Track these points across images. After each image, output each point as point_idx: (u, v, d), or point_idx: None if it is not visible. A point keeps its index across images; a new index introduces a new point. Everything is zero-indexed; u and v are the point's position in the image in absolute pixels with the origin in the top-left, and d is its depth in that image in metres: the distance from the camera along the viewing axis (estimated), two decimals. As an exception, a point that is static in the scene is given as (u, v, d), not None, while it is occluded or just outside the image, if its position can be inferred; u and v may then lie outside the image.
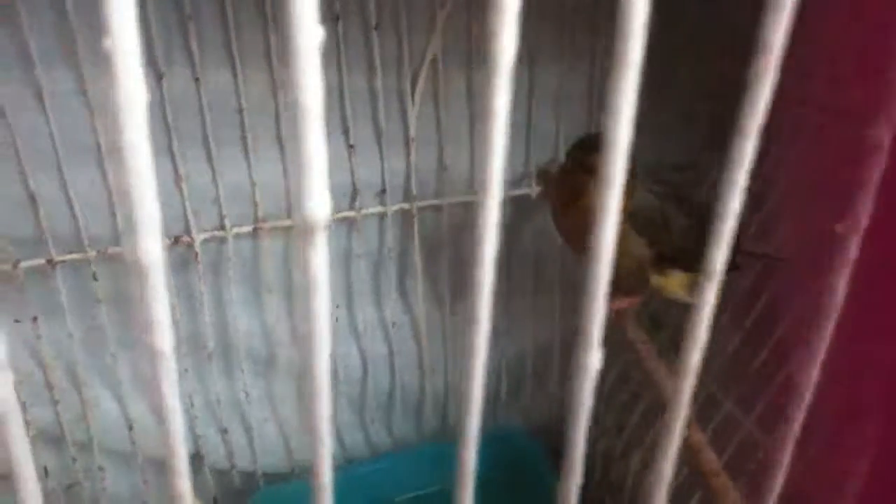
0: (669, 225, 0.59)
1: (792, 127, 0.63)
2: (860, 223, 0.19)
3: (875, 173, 0.19)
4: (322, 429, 0.17)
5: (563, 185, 0.59)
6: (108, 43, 0.13)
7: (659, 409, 0.77)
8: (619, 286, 0.64)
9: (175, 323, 0.73)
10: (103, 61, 0.13)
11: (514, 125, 0.74)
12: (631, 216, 0.58)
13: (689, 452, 0.52)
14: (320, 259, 0.15)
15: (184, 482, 0.17)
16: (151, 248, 0.14)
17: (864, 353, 0.45)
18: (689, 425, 0.56)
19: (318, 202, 0.15)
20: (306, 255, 0.15)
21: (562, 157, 0.77)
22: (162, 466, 0.79)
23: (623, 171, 0.16)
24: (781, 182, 0.65)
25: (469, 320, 0.17)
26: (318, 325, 0.16)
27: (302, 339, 0.16)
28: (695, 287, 0.62)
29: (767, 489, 0.24)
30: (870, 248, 0.21)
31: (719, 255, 0.17)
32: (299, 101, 0.14)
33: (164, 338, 0.15)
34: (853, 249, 0.19)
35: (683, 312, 0.76)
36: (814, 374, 0.22)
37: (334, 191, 0.73)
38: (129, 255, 0.14)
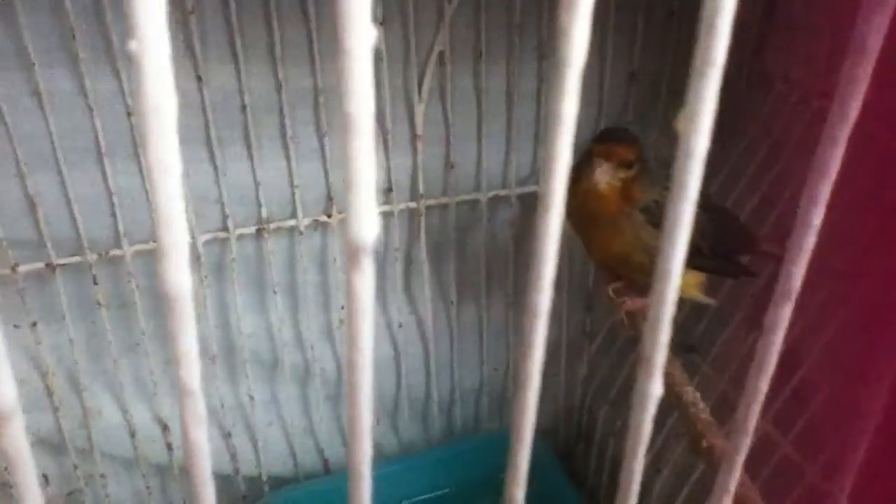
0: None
1: (810, 120, 0.62)
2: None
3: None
4: (363, 463, 0.15)
5: (584, 182, 0.57)
6: (133, 46, 0.11)
7: (671, 409, 0.76)
8: (632, 283, 0.63)
9: (177, 326, 0.71)
10: (131, 65, 0.11)
11: (524, 121, 0.73)
12: (645, 209, 0.56)
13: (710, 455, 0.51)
14: (367, 284, 0.14)
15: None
16: (180, 275, 0.13)
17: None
18: (707, 428, 0.54)
19: (367, 223, 0.13)
20: (352, 279, 0.13)
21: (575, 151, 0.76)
22: (164, 473, 0.78)
23: (699, 178, 0.15)
24: (797, 178, 0.64)
25: (529, 313, 0.15)
26: (364, 352, 0.14)
27: (348, 367, 0.14)
28: (709, 287, 0.60)
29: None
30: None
31: (797, 272, 0.15)
32: (349, 111, 0.12)
33: (194, 375, 0.14)
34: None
35: (694, 312, 0.74)
36: (874, 411, 0.20)
37: (338, 190, 0.72)
38: (160, 287, 0.12)
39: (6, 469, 0.56)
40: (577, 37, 0.12)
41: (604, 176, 0.54)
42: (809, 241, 0.15)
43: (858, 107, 0.14)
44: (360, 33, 0.11)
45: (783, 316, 0.16)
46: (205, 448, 0.15)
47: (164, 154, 0.12)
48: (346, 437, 0.16)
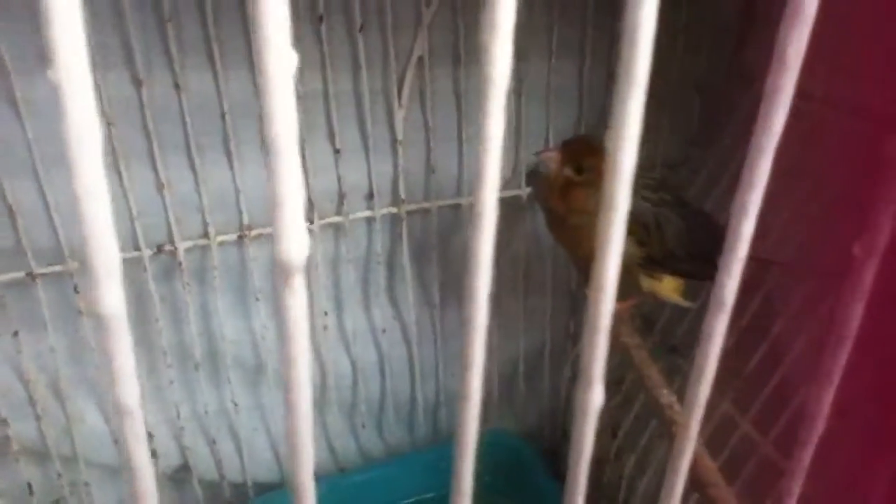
0: (663, 229, 0.58)
1: (792, 122, 0.62)
2: (879, 244, 0.18)
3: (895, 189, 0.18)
4: (305, 483, 0.16)
5: (553, 190, 0.58)
6: (53, 75, 0.11)
7: (652, 411, 0.76)
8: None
9: (159, 332, 0.71)
10: (52, 96, 0.11)
11: (505, 124, 0.73)
12: None
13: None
14: (300, 302, 0.14)
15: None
16: (112, 298, 0.13)
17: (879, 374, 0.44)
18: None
19: (296, 243, 0.13)
20: (285, 300, 0.14)
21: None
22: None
23: (627, 198, 0.15)
24: (776, 180, 0.64)
25: (465, 324, 0.15)
26: (299, 370, 0.14)
27: (284, 386, 0.15)
28: (689, 291, 0.61)
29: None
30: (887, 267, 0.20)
31: (731, 282, 0.16)
32: (272, 133, 0.12)
33: (131, 394, 0.14)
34: (871, 271, 0.18)
35: (676, 313, 0.75)
36: (827, 400, 0.21)
37: (321, 196, 0.72)
38: (88, 308, 0.12)
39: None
40: (500, 57, 0.13)
41: (549, 163, 0.56)
42: (741, 251, 0.16)
43: (783, 119, 0.14)
44: (280, 57, 0.12)
45: (719, 326, 0.16)
46: (148, 468, 0.15)
47: (91, 181, 0.12)
48: (287, 451, 0.16)
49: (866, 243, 0.18)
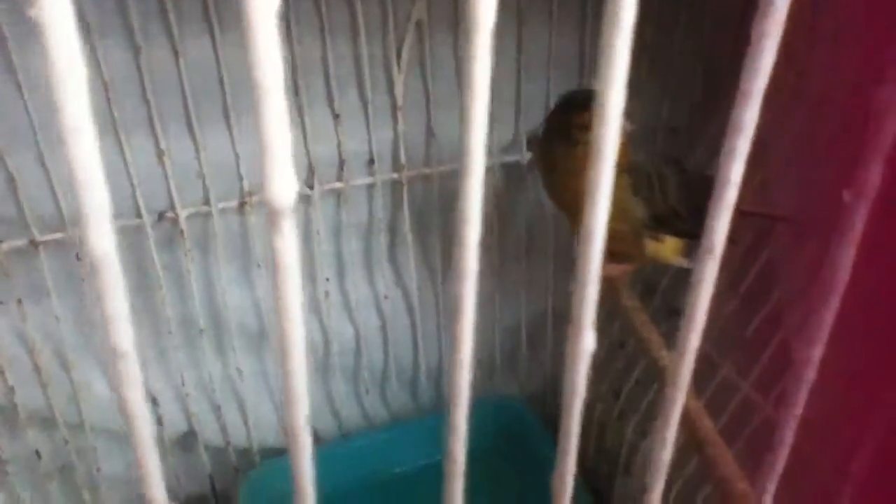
0: (665, 187, 0.58)
1: (793, 86, 0.62)
2: (868, 190, 0.18)
3: (883, 138, 0.18)
4: (299, 421, 0.16)
5: (549, 147, 0.57)
6: (33, 12, 0.11)
7: (654, 375, 0.77)
8: (614, 252, 0.64)
9: (163, 300, 0.72)
10: (33, 33, 0.11)
11: (503, 91, 0.72)
12: (631, 171, 0.56)
13: (685, 421, 0.51)
14: (289, 245, 0.14)
15: (159, 491, 0.16)
16: (102, 239, 0.13)
17: (869, 322, 0.45)
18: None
19: (283, 186, 0.13)
20: (274, 243, 0.14)
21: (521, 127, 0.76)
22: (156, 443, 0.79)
23: (616, 139, 0.15)
24: (781, 140, 0.64)
25: (455, 297, 0.16)
26: (292, 314, 0.15)
27: (277, 333, 0.15)
28: (690, 252, 0.61)
29: (770, 468, 0.23)
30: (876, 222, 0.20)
31: (720, 226, 0.16)
32: (257, 79, 0.12)
33: (124, 336, 0.14)
34: (860, 217, 0.18)
35: (677, 277, 0.75)
36: (819, 347, 0.21)
37: (321, 162, 0.72)
38: (81, 250, 0.13)
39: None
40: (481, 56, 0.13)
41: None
42: (730, 196, 0.16)
43: (770, 64, 0.14)
44: (263, 4, 0.12)
45: (709, 272, 0.17)
46: (144, 411, 0.15)
47: (77, 119, 0.12)
48: (284, 401, 0.16)
49: (856, 190, 0.18)
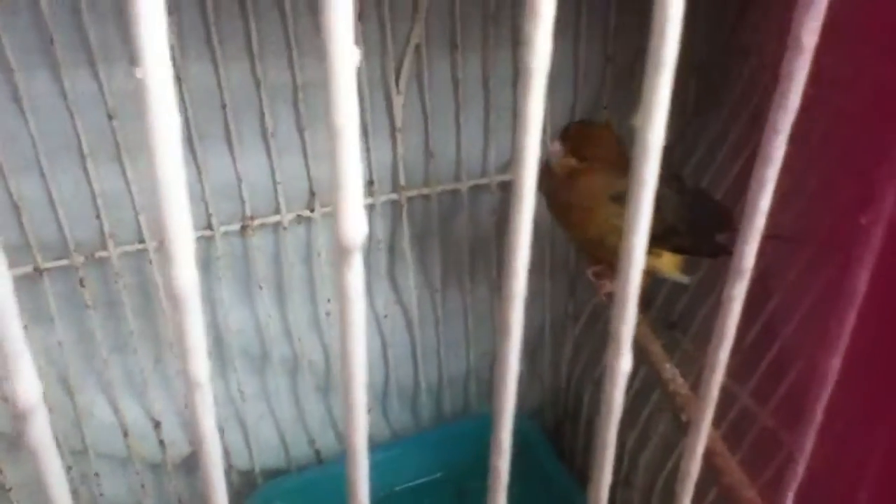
0: (661, 204, 0.59)
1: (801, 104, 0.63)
2: (885, 213, 0.19)
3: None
4: (359, 445, 0.17)
5: (558, 179, 0.59)
6: (140, 73, 0.12)
7: (653, 387, 0.78)
8: (611, 266, 0.65)
9: (165, 324, 0.72)
10: (136, 92, 0.12)
11: (502, 109, 0.74)
12: (615, 198, 0.58)
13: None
14: (358, 280, 0.15)
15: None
16: (186, 276, 0.14)
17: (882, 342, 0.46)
18: (689, 404, 0.56)
19: (355, 225, 0.14)
20: (344, 276, 0.15)
21: (548, 141, 0.77)
22: (158, 469, 0.79)
23: (656, 171, 0.16)
24: (790, 157, 0.65)
25: (505, 299, 0.17)
26: (357, 344, 0.15)
27: (343, 358, 0.16)
28: (688, 267, 0.62)
29: (788, 480, 0.24)
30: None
31: (749, 252, 0.17)
32: (335, 123, 0.13)
33: (202, 368, 0.15)
34: (877, 240, 0.19)
35: (674, 291, 0.76)
36: (835, 362, 0.22)
37: (320, 184, 0.73)
38: (165, 287, 0.13)
39: (1, 472, 0.57)
40: (540, 46, 0.14)
41: (554, 156, 0.57)
42: (759, 222, 0.17)
43: (798, 99, 0.16)
44: (344, 53, 0.13)
45: (739, 292, 0.18)
46: (216, 440, 0.16)
47: (171, 169, 0.13)
48: (345, 424, 0.17)
49: (872, 213, 0.19)
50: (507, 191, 0.80)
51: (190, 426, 0.16)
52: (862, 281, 0.20)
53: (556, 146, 0.58)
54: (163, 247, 0.14)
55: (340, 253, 0.15)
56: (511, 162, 0.79)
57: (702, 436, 0.20)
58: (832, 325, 0.22)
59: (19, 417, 0.14)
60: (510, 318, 0.17)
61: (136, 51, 0.12)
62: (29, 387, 0.14)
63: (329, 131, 0.14)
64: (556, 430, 0.97)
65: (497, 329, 0.18)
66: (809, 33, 0.15)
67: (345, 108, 0.13)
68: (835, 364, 0.22)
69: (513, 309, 0.16)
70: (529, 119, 0.14)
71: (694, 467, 0.22)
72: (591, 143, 0.57)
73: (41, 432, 0.15)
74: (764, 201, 0.17)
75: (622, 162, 0.58)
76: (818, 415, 0.24)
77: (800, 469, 0.26)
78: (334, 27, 0.12)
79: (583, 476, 0.92)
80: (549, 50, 0.14)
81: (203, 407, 0.15)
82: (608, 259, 0.63)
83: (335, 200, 0.14)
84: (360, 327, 0.16)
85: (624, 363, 0.18)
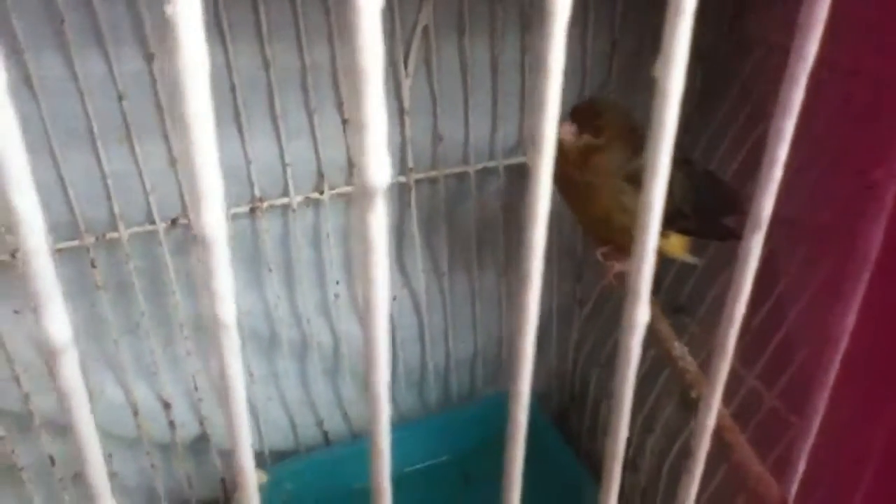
0: (671, 185, 0.59)
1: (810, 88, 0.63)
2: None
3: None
4: (381, 393, 0.17)
5: (571, 157, 0.59)
6: (169, 10, 0.12)
7: (661, 368, 0.78)
8: (619, 246, 0.65)
9: (176, 305, 0.73)
10: (165, 28, 0.13)
11: (510, 93, 0.74)
12: (628, 178, 0.58)
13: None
14: (380, 223, 0.15)
15: (248, 460, 0.17)
16: (215, 221, 0.14)
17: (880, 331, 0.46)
18: (697, 382, 0.57)
19: (379, 167, 0.15)
20: (366, 219, 0.15)
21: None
22: (167, 450, 0.80)
23: (675, 117, 0.16)
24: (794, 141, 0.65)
25: (521, 280, 0.17)
26: (379, 289, 0.16)
27: (363, 306, 0.16)
28: (696, 249, 0.62)
29: (795, 458, 0.24)
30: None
31: (767, 203, 0.17)
32: (358, 63, 0.13)
33: (229, 310, 0.15)
34: (891, 194, 0.20)
35: (680, 274, 0.76)
36: (849, 322, 0.22)
37: (330, 166, 0.73)
38: (194, 229, 0.14)
39: (13, 452, 0.57)
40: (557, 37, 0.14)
41: (566, 135, 0.57)
42: (776, 173, 0.17)
43: (815, 49, 0.16)
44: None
45: (756, 244, 0.18)
46: (241, 381, 0.16)
47: (199, 107, 0.13)
48: (358, 403, 0.17)
49: (886, 169, 0.19)
50: (515, 174, 0.80)
51: (216, 370, 0.16)
52: (876, 236, 0.20)
53: (567, 126, 0.58)
54: (191, 190, 0.14)
55: (363, 195, 0.15)
56: (525, 135, 0.79)
57: (715, 401, 0.21)
58: (845, 288, 0.22)
59: (51, 357, 0.15)
60: (527, 298, 0.17)
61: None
62: (61, 326, 0.14)
63: (354, 73, 0.14)
64: (562, 415, 0.98)
65: (513, 310, 0.18)
66: (818, 14, 0.15)
67: (369, 49, 0.13)
68: (841, 343, 0.22)
69: (529, 289, 0.17)
70: (550, 69, 0.14)
71: (705, 440, 0.22)
72: (600, 118, 0.57)
73: (72, 372, 0.15)
74: (781, 152, 0.17)
75: (634, 140, 0.58)
76: (825, 394, 0.24)
77: (807, 446, 0.26)
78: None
79: (589, 460, 0.92)
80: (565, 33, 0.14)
81: (230, 349, 0.16)
82: (615, 239, 0.63)
83: (359, 141, 0.14)
84: (384, 276, 0.16)
85: (642, 313, 0.18)
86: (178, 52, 0.13)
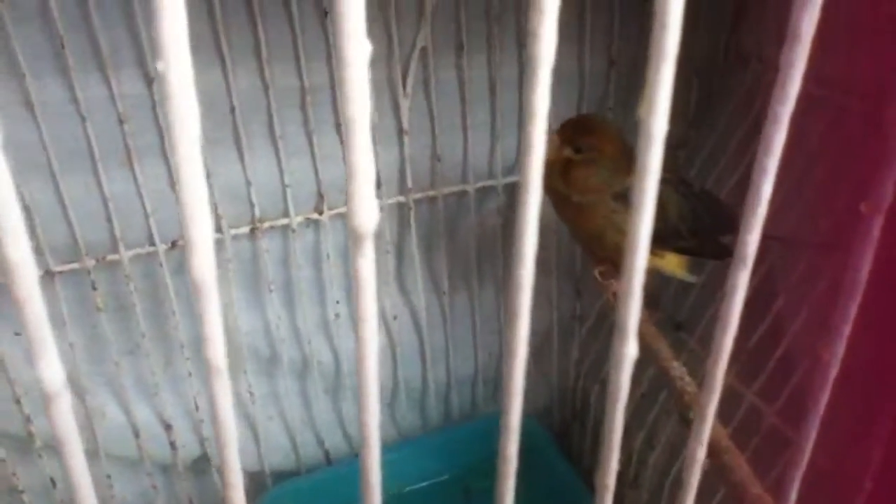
0: (666, 206, 0.59)
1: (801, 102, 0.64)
2: (884, 202, 0.20)
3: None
4: (371, 423, 0.17)
5: (563, 170, 0.59)
6: (161, 66, 0.13)
7: (660, 386, 0.78)
8: (615, 264, 0.65)
9: (176, 326, 0.73)
10: (157, 82, 0.13)
11: (508, 111, 0.74)
12: (616, 196, 0.58)
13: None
14: (369, 266, 0.15)
15: (238, 495, 0.17)
16: (205, 265, 0.14)
17: (881, 335, 0.46)
18: (695, 402, 0.57)
19: (367, 213, 0.15)
20: (357, 263, 0.15)
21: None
22: (169, 471, 0.80)
23: (660, 159, 0.16)
24: (790, 160, 0.66)
25: (509, 313, 0.17)
26: (369, 325, 0.16)
27: (356, 340, 0.16)
28: (693, 267, 0.63)
29: (792, 472, 0.24)
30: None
31: (752, 240, 0.17)
32: (348, 113, 0.14)
33: (219, 353, 0.15)
34: (877, 228, 0.20)
35: (680, 291, 0.76)
36: (839, 352, 0.22)
37: (329, 186, 0.74)
38: (190, 275, 0.14)
39: (14, 474, 0.57)
40: (546, 37, 0.14)
41: (547, 146, 0.57)
42: (761, 210, 0.17)
43: (797, 88, 0.16)
44: (357, 46, 0.13)
45: (741, 280, 0.18)
46: (232, 422, 0.17)
47: (190, 157, 0.13)
48: (356, 423, 0.18)
49: (872, 202, 0.19)
50: (513, 193, 0.80)
51: (210, 412, 0.16)
52: (864, 268, 0.21)
53: (551, 137, 0.58)
54: (183, 236, 0.14)
55: (354, 240, 0.15)
56: (518, 156, 0.79)
57: (707, 423, 0.21)
58: (836, 314, 0.22)
59: (45, 400, 0.15)
60: (518, 307, 0.17)
61: (157, 44, 0.12)
62: (54, 371, 0.14)
63: (343, 123, 0.14)
64: (564, 431, 0.97)
65: (505, 319, 0.19)
66: (807, 23, 0.15)
67: (357, 101, 0.14)
68: (836, 358, 0.23)
69: (521, 298, 0.17)
70: (536, 107, 0.15)
71: (700, 453, 0.22)
72: (588, 135, 0.57)
73: (65, 415, 0.15)
74: (766, 188, 0.17)
75: (625, 159, 0.58)
76: (821, 408, 0.24)
77: (803, 464, 0.26)
78: (347, 19, 0.13)
79: (590, 477, 0.92)
80: (555, 41, 0.15)
81: (222, 392, 0.16)
82: (609, 256, 0.63)
83: (348, 188, 0.15)
84: (373, 314, 0.16)
85: (630, 349, 0.18)
86: (170, 104, 0.13)
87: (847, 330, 0.22)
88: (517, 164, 0.80)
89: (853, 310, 0.22)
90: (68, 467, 0.16)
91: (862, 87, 0.55)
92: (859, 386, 0.45)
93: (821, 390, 0.23)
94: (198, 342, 0.75)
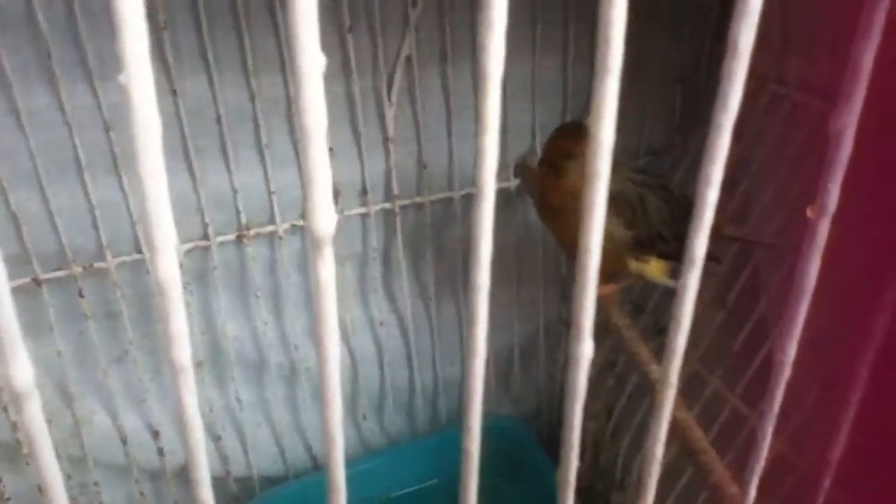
0: (647, 210, 0.60)
1: (767, 105, 0.65)
2: (829, 207, 0.20)
3: (838, 158, 0.20)
4: (334, 427, 0.18)
5: (541, 175, 0.60)
6: (122, 78, 0.13)
7: (645, 391, 0.79)
8: (601, 271, 0.66)
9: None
10: (120, 93, 0.14)
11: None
12: (609, 200, 0.59)
13: (676, 431, 0.53)
14: (329, 270, 0.16)
15: (206, 491, 0.18)
16: (169, 267, 0.15)
17: (838, 326, 0.47)
18: (676, 404, 0.57)
19: (325, 217, 0.15)
20: (316, 267, 0.16)
21: (538, 148, 0.79)
22: (157, 478, 0.80)
23: (608, 165, 0.17)
24: (757, 163, 0.67)
25: (470, 318, 0.18)
26: (329, 328, 0.17)
27: (316, 343, 0.17)
28: (675, 272, 0.63)
29: (753, 461, 0.25)
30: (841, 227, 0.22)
31: (700, 244, 0.18)
32: (303, 123, 0.14)
33: (184, 353, 0.16)
34: (823, 232, 0.21)
35: (665, 296, 0.77)
36: (791, 350, 0.23)
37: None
38: (153, 276, 0.15)
39: (1, 481, 0.58)
40: (495, 51, 0.15)
41: (530, 157, 0.58)
42: (708, 216, 0.18)
43: (738, 98, 0.17)
44: (311, 57, 0.14)
45: (692, 282, 0.19)
46: (198, 420, 0.17)
47: (153, 168, 0.14)
48: (322, 410, 0.18)
49: (817, 206, 0.20)
50: (500, 199, 0.81)
51: (176, 411, 0.17)
52: (812, 273, 0.21)
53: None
54: (147, 238, 0.15)
55: (313, 245, 0.16)
56: (478, 164, 0.80)
57: (663, 424, 0.21)
58: (790, 309, 0.23)
59: (14, 402, 0.16)
60: (476, 311, 0.18)
61: (119, 55, 0.13)
62: (23, 372, 0.15)
63: (300, 132, 0.15)
64: (551, 436, 0.98)
65: (467, 321, 0.19)
66: (745, 38, 0.16)
67: (312, 111, 0.14)
68: (791, 351, 0.23)
69: (479, 297, 0.18)
70: (487, 120, 0.15)
71: (658, 449, 0.23)
72: (565, 140, 0.58)
73: (35, 416, 0.16)
74: (712, 196, 0.18)
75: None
76: (776, 407, 0.25)
77: (764, 449, 0.27)
78: (300, 33, 0.13)
79: (577, 481, 0.93)
80: (503, 55, 0.15)
81: (187, 392, 0.16)
82: None
83: (305, 195, 0.15)
84: (333, 317, 0.17)
85: (586, 348, 0.19)
86: (133, 115, 0.14)
87: (797, 332, 0.23)
88: (502, 170, 0.80)
89: (802, 312, 0.22)
90: (39, 465, 0.17)
91: (815, 86, 0.56)
92: (820, 373, 0.46)
93: (776, 388, 0.24)
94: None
